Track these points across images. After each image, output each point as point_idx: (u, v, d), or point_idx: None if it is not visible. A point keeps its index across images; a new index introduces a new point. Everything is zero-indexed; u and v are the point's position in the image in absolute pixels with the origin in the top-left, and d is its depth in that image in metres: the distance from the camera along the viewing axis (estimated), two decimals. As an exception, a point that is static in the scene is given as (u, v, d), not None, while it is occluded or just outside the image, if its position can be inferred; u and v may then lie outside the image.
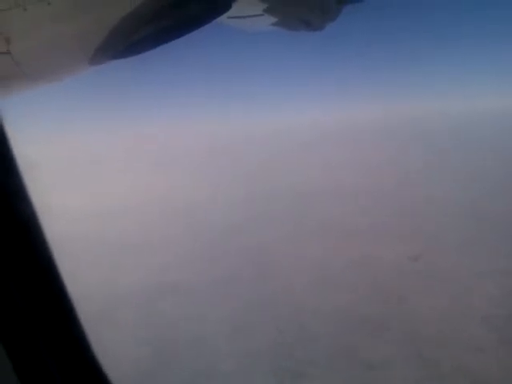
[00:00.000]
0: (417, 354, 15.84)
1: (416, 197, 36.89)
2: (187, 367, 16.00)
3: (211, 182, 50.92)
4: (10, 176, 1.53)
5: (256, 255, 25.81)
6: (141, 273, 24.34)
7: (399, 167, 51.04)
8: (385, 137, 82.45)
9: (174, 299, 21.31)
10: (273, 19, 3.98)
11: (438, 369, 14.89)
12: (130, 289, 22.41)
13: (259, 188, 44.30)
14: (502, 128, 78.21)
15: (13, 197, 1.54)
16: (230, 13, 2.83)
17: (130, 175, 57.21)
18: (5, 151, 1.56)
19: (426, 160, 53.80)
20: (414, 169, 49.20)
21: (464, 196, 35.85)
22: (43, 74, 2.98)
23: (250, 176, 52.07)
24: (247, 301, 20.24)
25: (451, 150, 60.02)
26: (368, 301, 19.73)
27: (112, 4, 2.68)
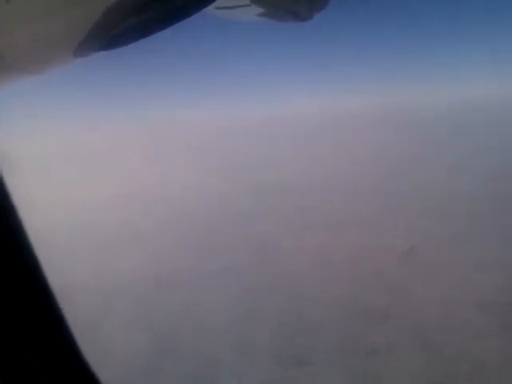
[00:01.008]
0: (418, 340, 16.16)
1: (414, 188, 37.24)
2: (190, 356, 16.08)
3: (199, 174, 50.76)
4: None
5: (254, 247, 25.96)
6: (140, 264, 24.34)
7: (395, 158, 51.38)
8: (381, 128, 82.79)
9: (173, 291, 21.35)
10: (259, 10, 3.94)
11: (441, 354, 15.25)
12: (131, 278, 22.38)
13: (247, 181, 44.29)
14: (500, 118, 78.99)
15: None
16: (218, 3, 2.81)
17: (122, 169, 56.74)
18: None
19: (423, 151, 54.22)
20: (411, 160, 49.57)
21: (461, 186, 36.30)
22: (28, 67, 2.94)
23: (238, 168, 51.96)
24: (249, 290, 20.37)
25: (451, 140, 60.56)
26: (369, 290, 19.99)
27: None
